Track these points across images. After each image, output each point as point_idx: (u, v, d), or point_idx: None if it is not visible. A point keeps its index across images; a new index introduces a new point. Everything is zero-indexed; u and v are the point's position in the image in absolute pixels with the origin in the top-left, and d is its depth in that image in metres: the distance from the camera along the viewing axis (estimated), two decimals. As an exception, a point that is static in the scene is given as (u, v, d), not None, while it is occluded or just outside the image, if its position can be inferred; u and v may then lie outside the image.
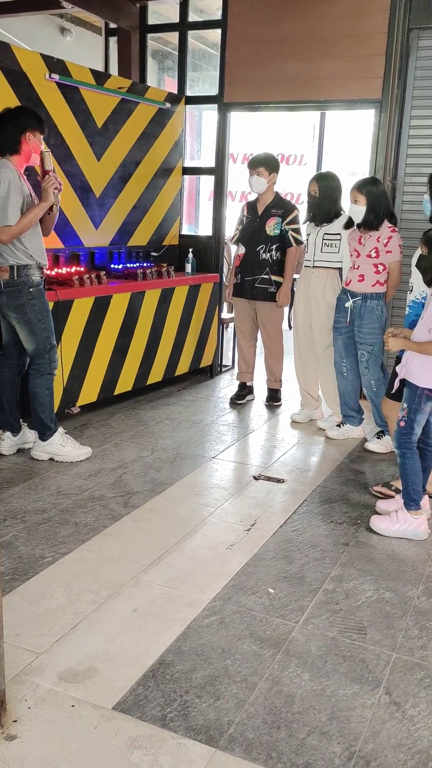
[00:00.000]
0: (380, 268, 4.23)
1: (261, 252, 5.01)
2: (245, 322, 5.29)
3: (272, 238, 4.98)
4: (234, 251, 5.37)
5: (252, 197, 5.17)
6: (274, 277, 5.01)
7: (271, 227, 4.97)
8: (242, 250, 5.14)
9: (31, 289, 3.72)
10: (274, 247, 4.99)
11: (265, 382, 5.44)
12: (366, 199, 4.13)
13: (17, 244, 3.63)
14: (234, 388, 5.64)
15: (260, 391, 5.52)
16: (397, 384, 3.27)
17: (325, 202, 4.58)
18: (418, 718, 2.07)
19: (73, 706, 2.05)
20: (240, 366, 5.44)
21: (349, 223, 4.40)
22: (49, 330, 3.83)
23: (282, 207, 4.99)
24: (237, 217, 5.27)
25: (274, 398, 5.34)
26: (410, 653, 2.38)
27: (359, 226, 4.24)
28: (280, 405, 5.32)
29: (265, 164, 4.91)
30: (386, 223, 4.22)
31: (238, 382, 5.48)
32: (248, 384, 5.44)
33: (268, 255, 5.00)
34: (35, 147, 3.65)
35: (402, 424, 3.19)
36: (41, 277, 3.79)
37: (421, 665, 2.32)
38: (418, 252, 3.30)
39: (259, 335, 5.36)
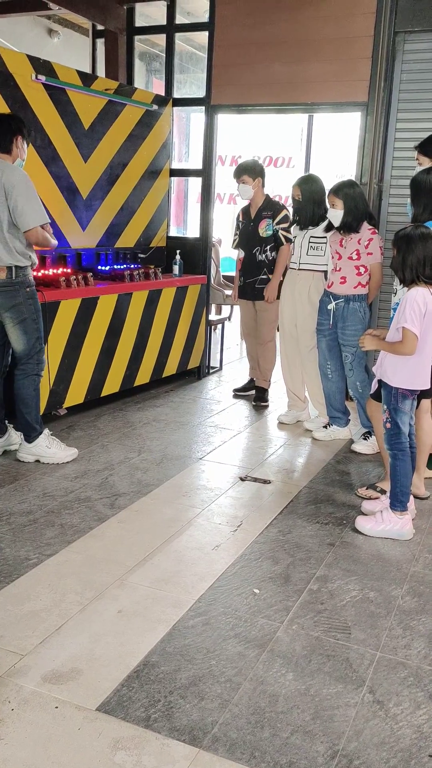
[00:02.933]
0: (362, 269, 4.26)
1: (257, 254, 5.19)
2: (249, 322, 5.45)
3: (265, 239, 5.14)
4: (235, 255, 5.54)
5: (245, 202, 5.31)
6: (271, 276, 5.19)
7: (263, 229, 5.13)
8: (242, 254, 5.32)
9: (27, 289, 3.74)
10: (268, 248, 5.15)
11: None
12: (343, 203, 4.16)
13: (19, 247, 3.64)
14: (221, 389, 5.69)
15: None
16: (375, 385, 3.29)
17: (308, 206, 4.62)
18: (401, 717, 2.08)
19: (56, 707, 2.05)
20: (249, 363, 5.61)
21: (329, 226, 4.43)
22: (39, 331, 3.84)
23: (271, 208, 5.15)
24: (234, 223, 5.45)
25: (261, 398, 5.37)
26: (394, 652, 2.39)
27: (338, 229, 4.27)
28: (267, 406, 5.34)
29: (248, 171, 5.09)
30: (366, 225, 4.25)
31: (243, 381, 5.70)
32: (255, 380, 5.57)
33: (264, 256, 5.17)
34: (22, 152, 3.72)
35: (388, 425, 3.20)
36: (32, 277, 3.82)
37: (404, 664, 2.33)
38: None
39: None
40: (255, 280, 5.22)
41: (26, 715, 2.01)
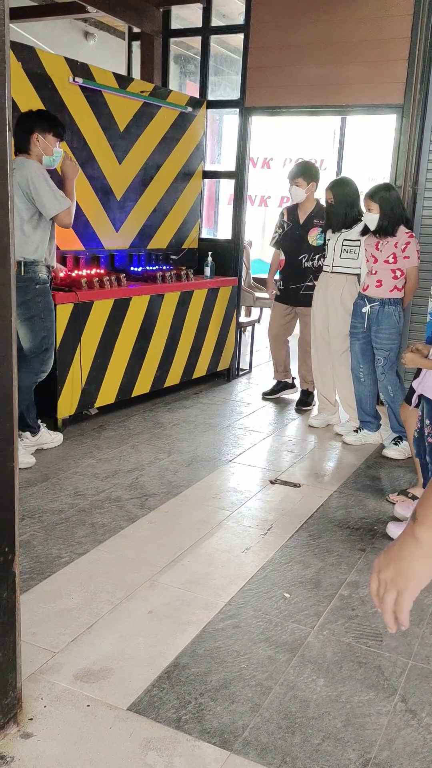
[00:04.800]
0: (398, 273, 4.22)
1: (303, 261, 5.15)
2: (279, 326, 5.44)
3: (315, 248, 5.10)
4: (267, 256, 5.59)
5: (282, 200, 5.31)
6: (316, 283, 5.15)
7: (314, 238, 5.09)
8: (283, 255, 5.29)
9: (37, 286, 3.76)
10: (317, 256, 5.10)
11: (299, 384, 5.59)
12: (379, 207, 4.13)
13: (32, 241, 3.68)
14: (251, 392, 5.68)
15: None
16: (415, 399, 3.22)
17: (341, 209, 4.59)
18: (434, 727, 2.06)
19: (88, 705, 2.06)
20: (275, 367, 5.63)
21: (365, 230, 4.40)
22: (48, 330, 3.84)
23: (323, 218, 5.02)
24: (276, 220, 5.36)
25: (305, 402, 5.38)
26: (426, 661, 2.36)
27: (374, 233, 4.24)
28: (310, 410, 5.34)
29: (303, 174, 5.01)
30: (403, 229, 4.21)
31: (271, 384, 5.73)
32: (283, 380, 5.60)
33: (311, 263, 5.14)
34: (46, 148, 3.70)
35: (430, 440, 3.14)
36: (48, 276, 3.83)
37: (437, 673, 2.30)
38: None
39: (289, 339, 5.56)
40: (300, 287, 5.18)
41: (59, 713, 2.03)
